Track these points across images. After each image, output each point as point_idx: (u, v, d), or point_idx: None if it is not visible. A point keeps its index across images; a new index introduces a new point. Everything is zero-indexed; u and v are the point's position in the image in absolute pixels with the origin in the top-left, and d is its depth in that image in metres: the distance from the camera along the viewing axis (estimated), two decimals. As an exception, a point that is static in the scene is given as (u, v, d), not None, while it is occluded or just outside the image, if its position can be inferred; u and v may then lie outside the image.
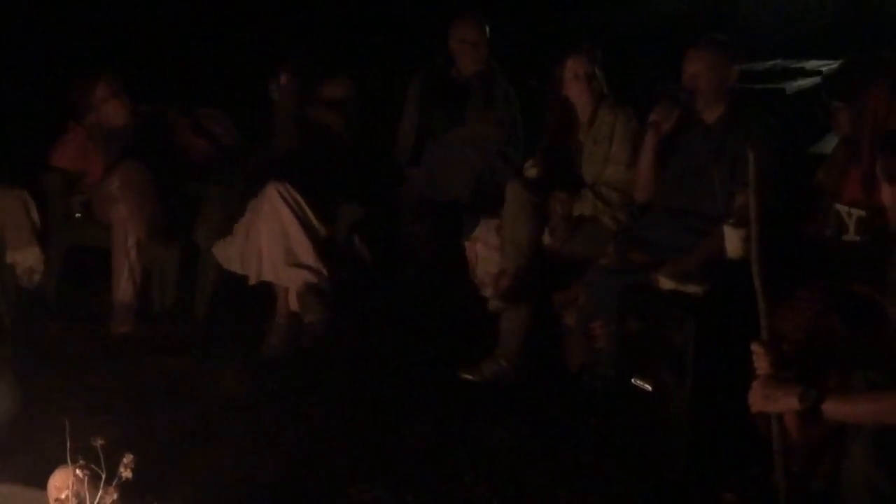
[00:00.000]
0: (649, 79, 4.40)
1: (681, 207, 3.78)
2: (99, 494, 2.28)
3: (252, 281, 4.41)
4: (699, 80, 3.71)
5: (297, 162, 4.67)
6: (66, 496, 2.31)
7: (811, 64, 5.50)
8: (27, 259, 4.57)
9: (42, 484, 2.46)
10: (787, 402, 2.52)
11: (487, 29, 4.96)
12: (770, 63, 5.70)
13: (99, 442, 2.24)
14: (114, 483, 2.28)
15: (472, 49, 4.93)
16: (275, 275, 4.37)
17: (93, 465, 2.29)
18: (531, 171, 4.29)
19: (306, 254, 4.36)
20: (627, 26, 7.24)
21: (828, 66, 5.30)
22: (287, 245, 4.35)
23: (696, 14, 7.50)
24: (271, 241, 4.35)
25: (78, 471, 2.30)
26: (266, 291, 4.47)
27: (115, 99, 4.78)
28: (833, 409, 2.44)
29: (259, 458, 3.42)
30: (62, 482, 2.35)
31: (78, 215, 4.75)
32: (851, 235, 3.13)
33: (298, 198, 4.38)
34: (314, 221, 4.41)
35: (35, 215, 4.59)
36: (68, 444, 2.35)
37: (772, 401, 2.57)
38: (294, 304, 4.40)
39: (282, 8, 6.85)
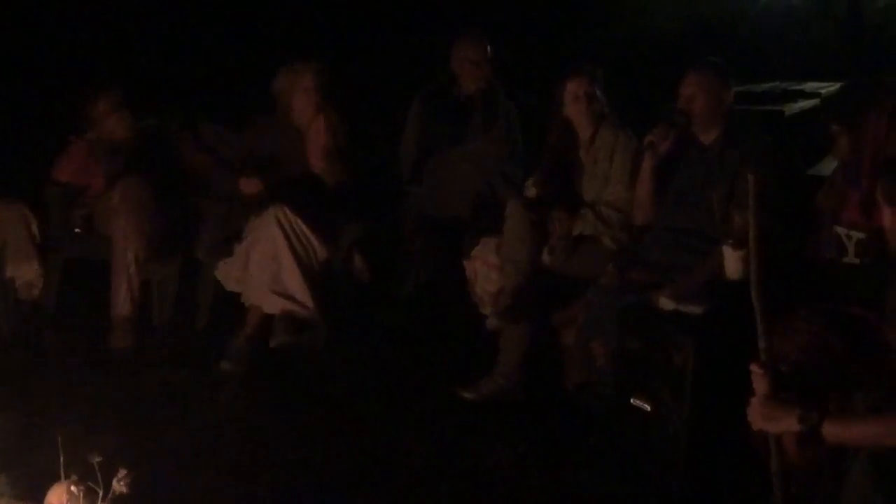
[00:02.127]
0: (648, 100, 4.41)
1: (680, 228, 3.79)
2: (95, 510, 2.28)
3: (244, 301, 4.42)
4: (694, 102, 3.74)
5: (299, 181, 4.68)
6: (62, 512, 2.30)
7: (810, 86, 5.51)
8: (27, 273, 4.56)
9: (37, 498, 2.46)
10: (787, 423, 2.51)
11: (490, 48, 4.98)
12: (769, 84, 5.71)
13: (96, 459, 2.23)
14: (108, 498, 2.27)
15: (475, 68, 4.94)
16: (258, 298, 4.37)
17: (90, 483, 2.28)
18: (531, 190, 4.29)
19: (294, 284, 4.35)
20: (626, 47, 7.26)
21: (827, 88, 5.32)
22: (276, 272, 4.35)
23: (694, 35, 7.53)
24: (261, 265, 4.36)
25: (73, 486, 2.29)
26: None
27: (116, 113, 4.80)
28: (833, 431, 2.44)
29: (257, 472, 3.41)
30: (58, 498, 2.34)
31: (77, 230, 4.75)
32: (851, 258, 3.13)
33: (298, 222, 4.37)
34: (314, 246, 4.41)
35: (35, 229, 4.59)
36: (62, 458, 2.34)
37: (772, 421, 2.56)
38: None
39: (284, 25, 6.87)
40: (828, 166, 3.90)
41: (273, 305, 4.35)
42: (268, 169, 4.72)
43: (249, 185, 4.62)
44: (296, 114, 4.73)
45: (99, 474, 2.25)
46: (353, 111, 4.94)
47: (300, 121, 4.73)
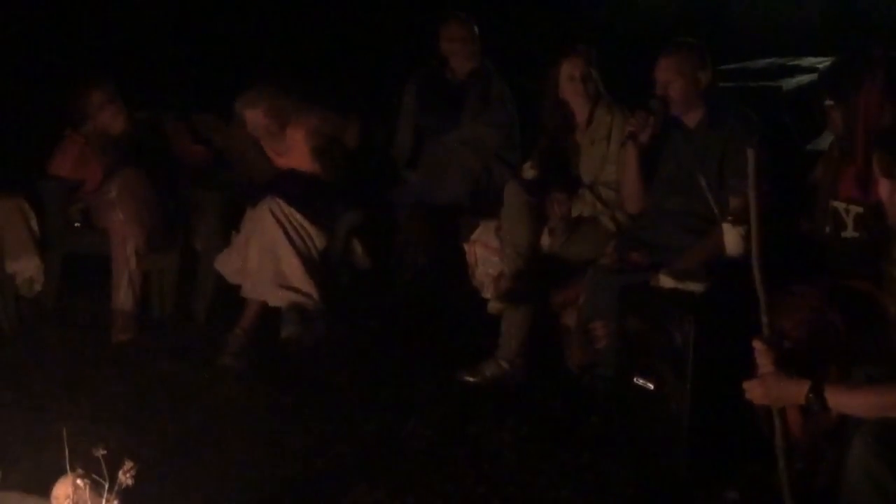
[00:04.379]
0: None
1: (675, 210, 3.78)
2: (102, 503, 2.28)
3: (244, 294, 4.42)
4: (671, 87, 3.72)
5: (291, 172, 4.68)
6: (68, 505, 2.31)
7: (807, 61, 5.50)
8: (27, 268, 4.56)
9: (43, 492, 2.46)
10: (793, 397, 2.52)
11: (475, 27, 4.98)
12: (766, 61, 5.70)
13: (101, 452, 2.23)
14: (114, 490, 2.27)
15: (462, 46, 4.96)
16: (261, 293, 4.36)
17: (94, 475, 2.28)
18: (529, 173, 4.29)
19: (295, 275, 4.35)
20: (619, 28, 7.26)
21: (825, 63, 5.30)
22: (276, 265, 4.35)
23: (689, 14, 7.52)
24: (261, 261, 4.36)
25: (78, 479, 2.29)
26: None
27: (111, 106, 4.78)
28: (836, 398, 2.44)
29: (260, 462, 3.41)
30: (65, 491, 2.34)
31: (77, 224, 4.75)
32: (850, 232, 3.12)
33: (293, 213, 4.36)
34: (311, 235, 4.40)
35: (34, 224, 4.59)
36: (67, 452, 2.34)
37: (776, 396, 2.56)
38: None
39: (276, 15, 6.86)
40: (827, 141, 3.88)
41: (278, 299, 4.35)
42: (256, 164, 4.75)
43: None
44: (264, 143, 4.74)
45: (105, 467, 2.25)
46: (347, 98, 4.95)
47: (271, 141, 4.74)
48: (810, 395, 2.44)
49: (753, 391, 2.60)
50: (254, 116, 4.63)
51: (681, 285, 3.35)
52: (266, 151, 4.75)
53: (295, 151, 4.71)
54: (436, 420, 3.72)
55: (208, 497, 3.15)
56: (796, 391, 2.48)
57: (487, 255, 4.24)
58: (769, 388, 2.56)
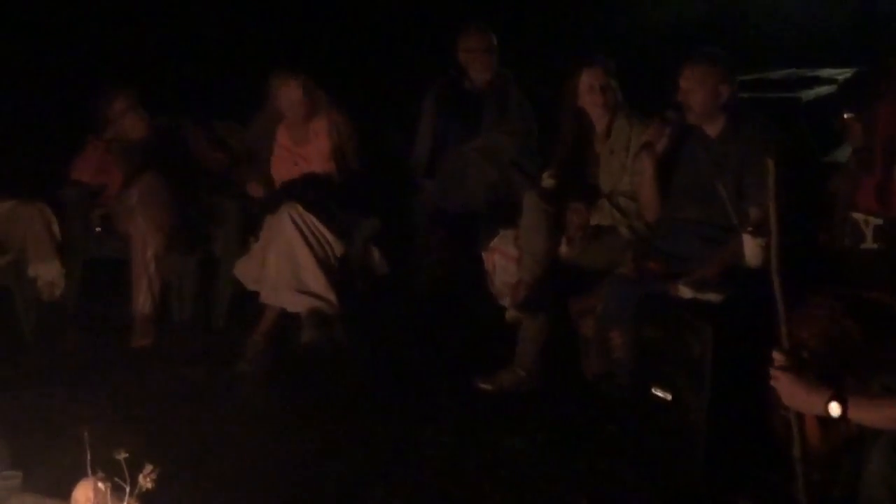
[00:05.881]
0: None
1: (693, 219, 3.78)
2: (122, 507, 2.30)
3: (263, 300, 4.44)
4: (691, 96, 3.71)
5: (310, 178, 4.70)
6: (89, 508, 2.32)
7: (826, 72, 5.48)
8: (48, 272, 4.59)
9: (64, 495, 2.48)
10: (815, 405, 2.49)
11: (494, 37, 5.00)
12: (785, 72, 5.69)
13: (122, 455, 2.25)
14: (134, 494, 2.29)
15: (481, 57, 4.97)
16: (279, 299, 4.38)
17: (116, 478, 2.30)
18: (548, 182, 4.29)
19: (315, 281, 4.37)
20: (638, 37, 7.25)
21: (843, 74, 5.29)
22: (296, 271, 4.36)
23: (707, 23, 7.51)
24: (280, 266, 4.38)
25: (99, 483, 2.31)
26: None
27: (132, 113, 4.82)
28: (857, 411, 2.43)
29: (277, 467, 3.43)
30: (85, 494, 2.36)
31: (98, 229, 4.79)
32: (869, 244, 3.12)
33: (312, 220, 4.39)
34: (329, 242, 4.42)
35: (56, 229, 4.62)
36: (88, 455, 2.36)
37: (792, 396, 2.54)
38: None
39: (297, 22, 6.89)
40: (845, 153, 3.88)
41: (297, 304, 4.37)
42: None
43: (255, 190, 4.76)
44: (289, 122, 4.78)
45: (126, 470, 2.27)
46: (365, 107, 4.97)
47: (294, 128, 4.78)
48: (831, 405, 2.43)
49: (779, 381, 2.55)
50: (289, 91, 4.68)
51: (699, 295, 3.36)
52: (286, 138, 4.77)
53: (314, 144, 4.74)
54: (452, 427, 3.73)
55: (226, 501, 3.17)
56: (817, 400, 2.46)
57: (506, 264, 4.24)
58: (792, 387, 2.52)
